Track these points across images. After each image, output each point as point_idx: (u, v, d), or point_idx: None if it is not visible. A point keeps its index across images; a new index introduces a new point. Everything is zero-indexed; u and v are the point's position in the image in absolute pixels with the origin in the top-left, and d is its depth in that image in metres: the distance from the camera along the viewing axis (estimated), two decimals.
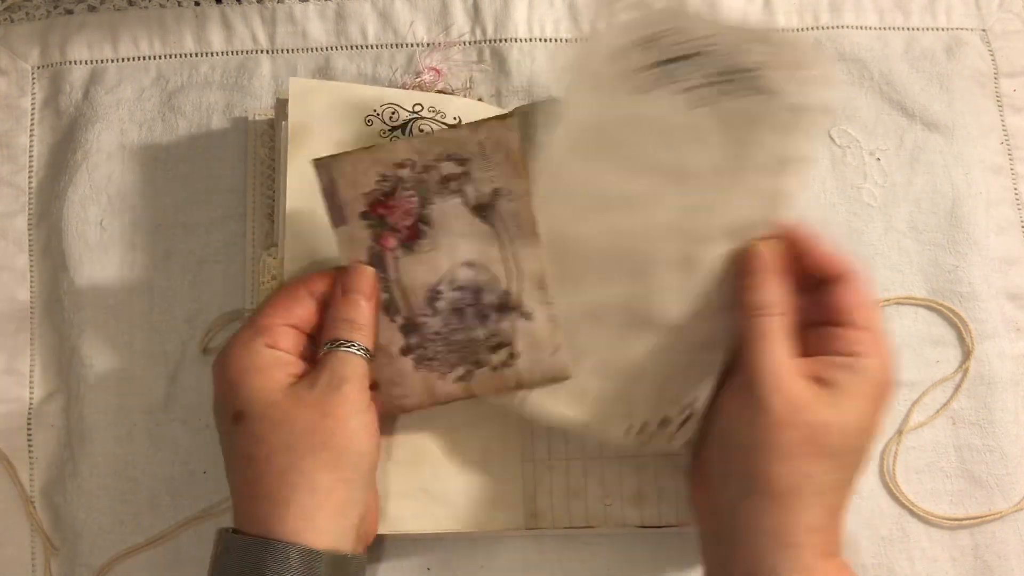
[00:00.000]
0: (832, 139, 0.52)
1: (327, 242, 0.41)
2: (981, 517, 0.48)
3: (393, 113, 0.46)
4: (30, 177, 0.52)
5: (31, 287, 0.51)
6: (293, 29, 0.53)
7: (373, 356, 0.41)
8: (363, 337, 0.41)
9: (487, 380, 0.42)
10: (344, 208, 0.40)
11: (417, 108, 0.47)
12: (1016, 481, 0.48)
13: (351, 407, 0.39)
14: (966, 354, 0.49)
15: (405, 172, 0.40)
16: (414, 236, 0.41)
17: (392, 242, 0.41)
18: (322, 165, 0.40)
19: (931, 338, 0.50)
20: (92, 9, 0.54)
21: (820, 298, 0.40)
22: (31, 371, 0.50)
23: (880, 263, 0.50)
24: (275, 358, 0.40)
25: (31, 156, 0.52)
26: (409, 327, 0.42)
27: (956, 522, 0.48)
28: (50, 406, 0.50)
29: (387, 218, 0.41)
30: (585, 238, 0.42)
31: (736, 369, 0.40)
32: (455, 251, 0.41)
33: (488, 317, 0.42)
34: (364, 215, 0.41)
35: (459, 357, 0.42)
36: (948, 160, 0.51)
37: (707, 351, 0.42)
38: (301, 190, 0.44)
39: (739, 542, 0.38)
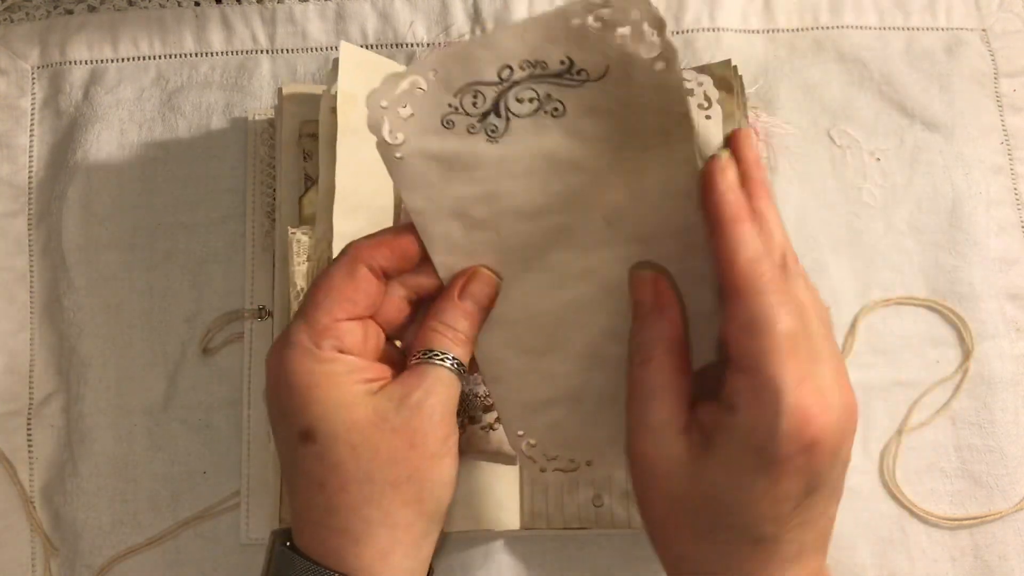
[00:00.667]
0: (832, 139, 0.52)
1: (377, 217, 0.39)
2: (981, 517, 0.48)
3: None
4: (30, 177, 0.52)
5: (31, 287, 0.51)
6: (293, 29, 0.53)
7: (464, 373, 0.36)
8: (463, 353, 0.35)
9: (474, 438, 0.41)
10: None
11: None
12: (1016, 481, 0.48)
13: (441, 435, 0.34)
14: (966, 354, 0.49)
15: None
16: None
17: None
18: None
19: (931, 338, 0.50)
20: (92, 9, 0.54)
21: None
22: (31, 371, 0.50)
23: (880, 263, 0.50)
24: (346, 365, 0.34)
25: (31, 156, 0.52)
26: None
27: (956, 522, 0.48)
28: (50, 406, 0.50)
29: None
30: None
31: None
32: None
33: None
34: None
35: (460, 407, 0.40)
36: (948, 160, 0.51)
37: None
38: (348, 164, 0.40)
39: None
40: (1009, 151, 0.52)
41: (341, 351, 0.35)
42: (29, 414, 0.50)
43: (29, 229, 0.52)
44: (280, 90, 0.47)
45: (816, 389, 0.30)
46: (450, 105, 0.34)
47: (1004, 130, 0.53)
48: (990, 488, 0.48)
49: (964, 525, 0.48)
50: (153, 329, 0.49)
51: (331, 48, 0.53)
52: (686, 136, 0.33)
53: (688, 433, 0.33)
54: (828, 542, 0.34)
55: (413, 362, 0.35)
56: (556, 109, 0.34)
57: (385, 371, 0.36)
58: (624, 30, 0.32)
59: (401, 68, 0.41)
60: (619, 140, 0.34)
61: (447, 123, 0.34)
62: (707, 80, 0.45)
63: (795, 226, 0.50)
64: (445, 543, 0.47)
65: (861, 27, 0.53)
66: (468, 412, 0.41)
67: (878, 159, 0.51)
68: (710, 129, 0.44)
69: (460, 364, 0.35)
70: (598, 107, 0.34)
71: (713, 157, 0.33)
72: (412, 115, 0.34)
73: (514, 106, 0.34)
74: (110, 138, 0.51)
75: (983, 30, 0.54)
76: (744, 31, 0.53)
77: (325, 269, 0.36)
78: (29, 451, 0.49)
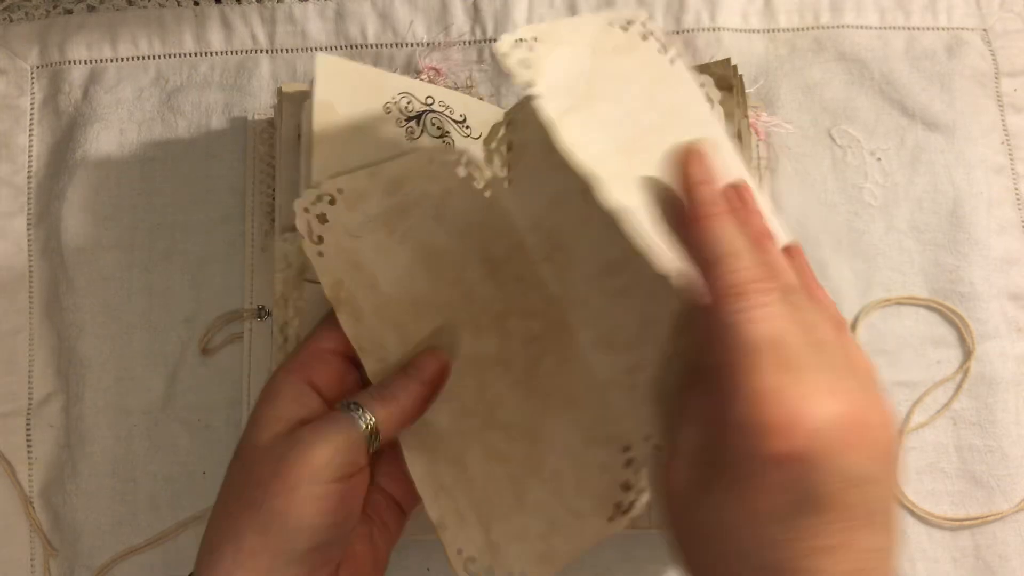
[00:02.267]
0: (833, 139, 0.52)
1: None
2: (982, 518, 0.48)
3: (408, 103, 0.46)
4: (29, 177, 0.52)
5: (31, 287, 0.51)
6: (293, 29, 0.53)
7: (379, 441, 0.36)
8: (384, 416, 0.36)
9: None
10: None
11: (429, 100, 0.47)
12: (1017, 482, 0.48)
13: (310, 476, 0.34)
14: (967, 354, 0.49)
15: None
16: None
17: None
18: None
19: (932, 338, 0.49)
20: (91, 9, 0.54)
21: None
22: (31, 371, 0.50)
23: (881, 263, 0.50)
24: (296, 391, 0.37)
25: (30, 156, 0.52)
26: None
27: (957, 523, 0.48)
28: (50, 406, 0.50)
29: None
30: None
31: None
32: None
33: None
34: None
35: None
36: (949, 160, 0.51)
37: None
38: (325, 170, 0.42)
39: None
40: (1010, 151, 0.52)
41: (308, 381, 0.37)
42: (28, 414, 0.50)
43: (29, 229, 0.52)
44: (280, 90, 0.47)
45: (796, 397, 0.28)
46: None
47: (1005, 130, 0.53)
48: (991, 488, 0.48)
49: (965, 525, 0.48)
50: (152, 329, 0.49)
51: (331, 48, 0.53)
52: None
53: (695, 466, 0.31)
54: None
55: (332, 408, 0.37)
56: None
57: (305, 408, 0.37)
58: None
59: (392, 76, 0.46)
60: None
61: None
62: (708, 80, 0.45)
63: (795, 226, 0.50)
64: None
65: (862, 27, 0.53)
66: None
67: (879, 159, 0.51)
68: None
69: (373, 424, 0.36)
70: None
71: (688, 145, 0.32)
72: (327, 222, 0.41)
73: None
74: (110, 138, 0.51)
75: (984, 30, 0.54)
76: (744, 31, 0.53)
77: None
78: (29, 451, 0.49)
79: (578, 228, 0.44)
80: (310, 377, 0.38)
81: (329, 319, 0.39)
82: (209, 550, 0.35)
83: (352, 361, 0.39)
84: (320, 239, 0.41)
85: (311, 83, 0.43)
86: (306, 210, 0.41)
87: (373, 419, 0.36)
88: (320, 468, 0.34)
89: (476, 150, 0.45)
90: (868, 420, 0.29)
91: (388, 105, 0.45)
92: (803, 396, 0.28)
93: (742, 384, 0.28)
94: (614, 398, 0.43)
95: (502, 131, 0.46)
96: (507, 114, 0.46)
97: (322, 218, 0.41)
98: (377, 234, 0.42)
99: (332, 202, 0.42)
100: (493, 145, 0.46)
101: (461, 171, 0.44)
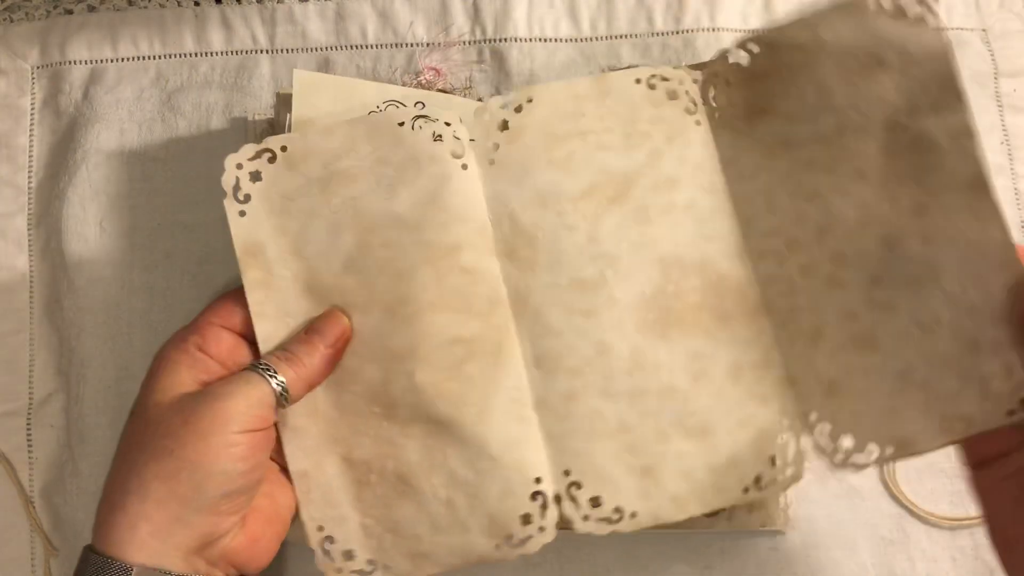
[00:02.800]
0: None
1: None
2: (982, 517, 0.48)
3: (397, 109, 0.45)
4: (30, 177, 0.52)
5: (31, 287, 0.51)
6: (293, 29, 0.53)
7: (289, 401, 0.38)
8: (293, 376, 0.38)
9: None
10: None
11: (419, 106, 0.47)
12: None
13: (222, 425, 0.35)
14: None
15: None
16: None
17: None
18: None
19: None
20: (92, 9, 0.54)
21: None
22: (31, 371, 0.50)
23: None
24: (191, 358, 0.38)
25: (31, 156, 0.52)
26: None
27: (956, 522, 0.48)
28: (50, 406, 0.50)
29: None
30: None
31: None
32: None
33: None
34: None
35: None
36: None
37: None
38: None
39: None
40: (1009, 151, 0.52)
41: (199, 348, 0.38)
42: (29, 414, 0.50)
43: (29, 229, 0.52)
44: (278, 94, 0.48)
45: None
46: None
47: (1004, 130, 0.53)
48: None
49: (964, 525, 0.48)
50: (153, 329, 0.49)
51: (331, 48, 0.53)
52: None
53: None
54: None
55: (243, 367, 0.38)
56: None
57: (208, 371, 0.39)
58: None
59: (377, 85, 0.46)
60: None
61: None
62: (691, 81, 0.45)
63: None
64: None
65: None
66: None
67: None
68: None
69: (282, 383, 0.37)
70: None
71: None
72: (260, 180, 0.42)
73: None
74: (110, 138, 0.51)
75: (983, 30, 0.54)
76: (744, 31, 0.53)
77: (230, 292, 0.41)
78: (29, 451, 0.49)
79: (558, 233, 0.42)
80: (203, 346, 0.39)
81: (221, 298, 0.41)
82: (109, 508, 0.35)
83: (243, 337, 0.40)
84: (247, 198, 0.41)
85: (276, 101, 0.43)
86: (239, 166, 0.41)
87: (283, 379, 0.38)
88: (232, 418, 0.36)
89: (458, 124, 0.43)
90: None
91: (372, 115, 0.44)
92: None
93: None
94: (543, 422, 0.41)
95: (500, 103, 0.43)
96: (519, 93, 0.43)
97: (255, 176, 0.42)
98: (313, 199, 0.41)
99: (272, 159, 0.42)
100: (487, 116, 0.43)
101: (441, 141, 0.42)
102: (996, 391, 0.35)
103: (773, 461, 0.41)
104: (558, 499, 0.41)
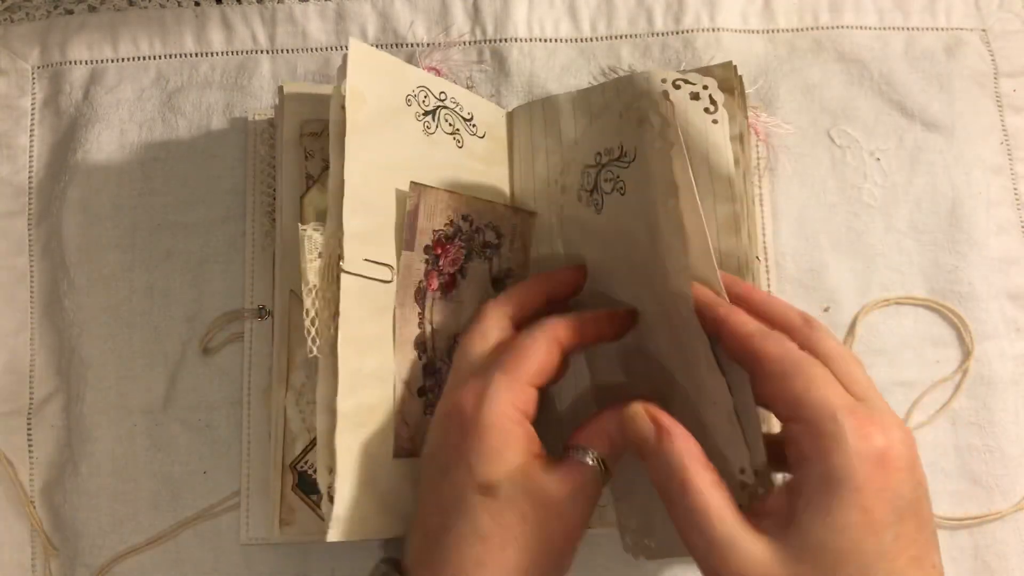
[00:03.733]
0: (832, 139, 0.52)
1: (383, 215, 0.41)
2: (981, 517, 0.48)
3: (425, 97, 0.45)
4: (30, 177, 0.52)
5: (31, 287, 0.51)
6: (293, 29, 0.53)
7: (604, 475, 0.38)
8: (609, 452, 0.38)
9: None
10: (415, 235, 0.41)
11: (442, 96, 0.47)
12: (1016, 481, 0.48)
13: (583, 525, 0.37)
14: (966, 354, 0.49)
15: (465, 225, 0.42)
16: (451, 285, 0.42)
17: (435, 283, 0.42)
18: (416, 187, 0.41)
19: (931, 338, 0.50)
20: (92, 9, 0.54)
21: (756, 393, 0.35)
22: (31, 371, 0.50)
23: (880, 263, 0.50)
24: (528, 432, 0.37)
25: (31, 156, 0.52)
26: (429, 369, 0.42)
27: (956, 522, 0.48)
28: (50, 406, 0.50)
29: (440, 259, 0.42)
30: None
31: None
32: (474, 309, 0.43)
33: None
34: (427, 248, 0.42)
35: None
36: (948, 160, 0.51)
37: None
38: (355, 162, 0.41)
39: None
40: (1009, 151, 0.52)
41: (528, 418, 0.37)
42: (29, 414, 0.50)
43: (29, 229, 0.52)
44: (280, 88, 0.47)
45: (870, 412, 0.33)
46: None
47: (1004, 130, 0.53)
48: (990, 488, 0.48)
49: (964, 525, 0.48)
50: (153, 329, 0.49)
51: (331, 48, 0.53)
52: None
53: (759, 530, 0.32)
54: None
55: (570, 454, 0.37)
56: (621, 188, 0.42)
57: (537, 442, 0.38)
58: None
59: (410, 67, 0.46)
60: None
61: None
62: (711, 83, 0.45)
63: (795, 226, 0.50)
64: None
65: (861, 27, 0.53)
66: None
67: (878, 159, 0.51)
68: (716, 134, 0.44)
69: (603, 462, 0.37)
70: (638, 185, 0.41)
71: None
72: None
73: (603, 185, 0.43)
74: (110, 138, 0.51)
75: (983, 30, 0.54)
76: (744, 31, 0.53)
77: (524, 337, 0.39)
78: (29, 451, 0.49)
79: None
80: (528, 413, 0.38)
81: (531, 350, 0.38)
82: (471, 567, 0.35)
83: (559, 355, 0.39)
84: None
85: (341, 69, 0.42)
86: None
87: (604, 459, 0.37)
88: (586, 520, 0.37)
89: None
90: (912, 437, 0.34)
91: (408, 97, 0.44)
92: (876, 411, 0.33)
93: (831, 405, 0.33)
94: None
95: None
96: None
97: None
98: None
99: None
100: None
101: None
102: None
103: None
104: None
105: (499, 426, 0.36)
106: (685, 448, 0.34)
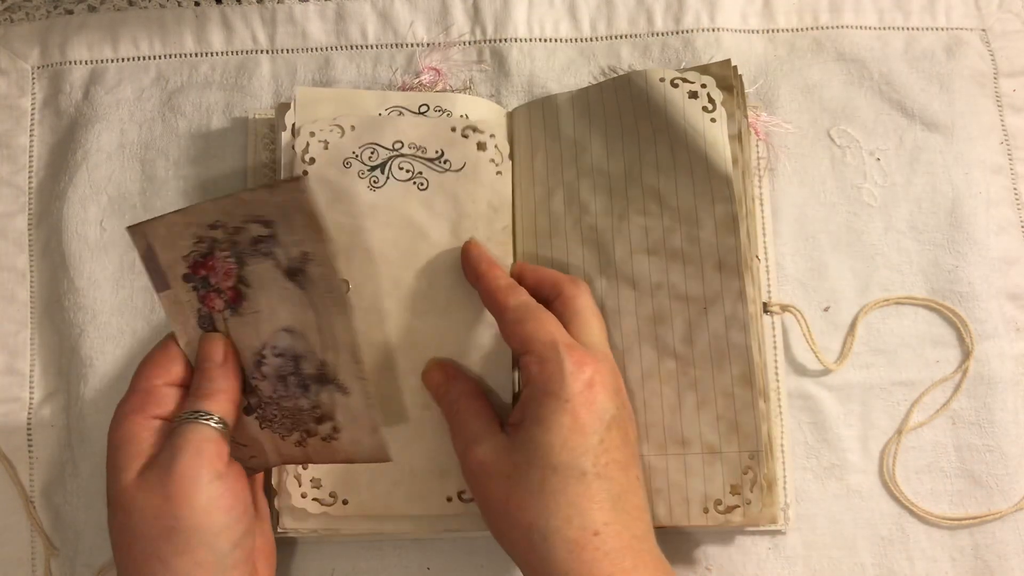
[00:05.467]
0: (832, 139, 0.52)
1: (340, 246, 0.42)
2: (981, 517, 0.48)
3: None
4: (30, 177, 0.52)
5: (31, 287, 0.51)
6: (293, 29, 0.53)
7: (229, 427, 0.40)
8: (214, 404, 0.39)
9: (321, 450, 0.41)
10: (166, 272, 0.39)
11: (423, 108, 0.47)
12: (1016, 481, 0.48)
13: (192, 483, 0.37)
14: (966, 354, 0.49)
15: (218, 233, 0.38)
16: (237, 298, 0.39)
17: (219, 303, 0.40)
18: (137, 231, 0.38)
19: (931, 338, 0.50)
20: (92, 9, 0.54)
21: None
22: (31, 371, 0.50)
23: (880, 263, 0.50)
24: (149, 429, 0.39)
25: (31, 156, 0.52)
26: (248, 388, 0.41)
27: (956, 522, 0.48)
28: (50, 406, 0.50)
29: (210, 279, 0.39)
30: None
31: None
32: (275, 315, 0.39)
33: (309, 388, 0.40)
34: (187, 277, 0.39)
35: (292, 423, 0.41)
36: (948, 160, 0.51)
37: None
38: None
39: None
40: (1009, 151, 0.52)
41: (156, 416, 0.39)
42: (29, 414, 0.50)
43: (29, 229, 0.52)
44: (280, 105, 0.48)
45: (585, 350, 0.41)
46: (353, 152, 0.46)
47: (1004, 130, 0.53)
48: (990, 488, 0.48)
49: (964, 525, 0.48)
50: (153, 329, 0.49)
51: (331, 48, 0.53)
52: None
53: (504, 432, 0.41)
54: (647, 512, 0.41)
55: (172, 426, 0.39)
56: (422, 184, 0.46)
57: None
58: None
59: (354, 91, 0.49)
60: (455, 221, 0.46)
61: (346, 164, 0.46)
62: (710, 81, 0.45)
63: (795, 226, 0.50)
64: (445, 542, 0.47)
65: (861, 27, 0.53)
66: (302, 426, 0.41)
67: (878, 159, 0.51)
68: (715, 132, 0.44)
69: (208, 415, 0.39)
70: (449, 192, 0.46)
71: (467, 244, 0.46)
72: (326, 148, 0.46)
73: (395, 171, 0.46)
74: (110, 138, 0.51)
75: (983, 30, 0.54)
76: (744, 31, 0.53)
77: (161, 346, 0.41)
78: (29, 451, 0.49)
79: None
80: (154, 413, 0.39)
81: (154, 356, 0.41)
82: None
83: (181, 386, 0.41)
84: (312, 160, 0.46)
85: (276, 109, 0.45)
86: (312, 133, 0.46)
87: (210, 411, 0.39)
88: (199, 473, 0.37)
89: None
90: (618, 380, 0.43)
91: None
92: (590, 344, 0.42)
93: (555, 339, 0.41)
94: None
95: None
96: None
97: (325, 144, 0.46)
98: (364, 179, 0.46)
99: (341, 135, 0.46)
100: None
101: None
102: None
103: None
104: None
105: (114, 438, 0.39)
106: (464, 387, 0.44)
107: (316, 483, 0.44)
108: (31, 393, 0.50)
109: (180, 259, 0.39)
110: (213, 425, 0.39)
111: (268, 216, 0.38)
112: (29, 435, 0.49)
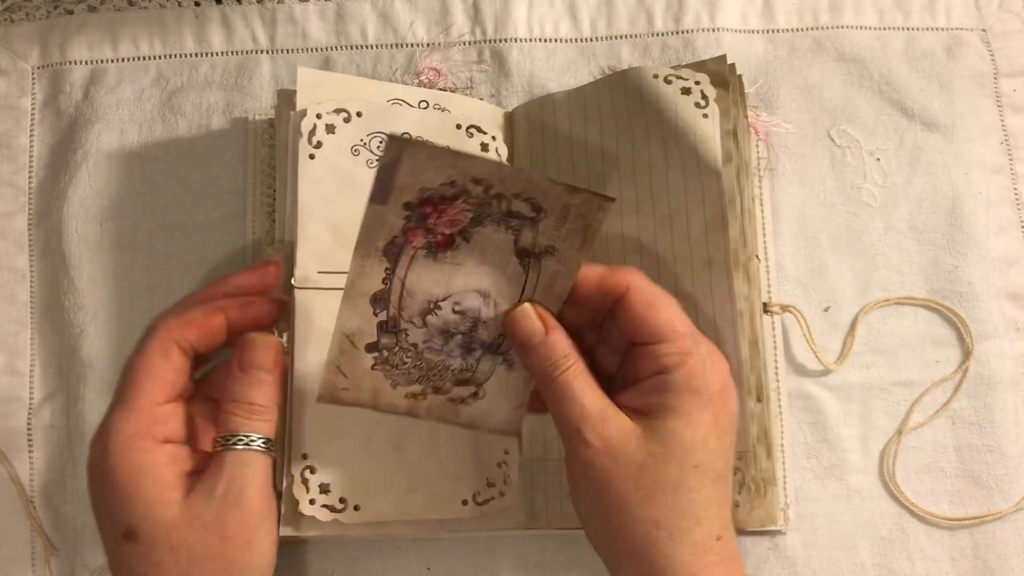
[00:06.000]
0: (832, 139, 0.52)
1: (343, 239, 0.41)
2: (981, 517, 0.48)
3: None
4: (30, 177, 0.52)
5: (31, 287, 0.51)
6: (293, 29, 0.53)
7: (273, 444, 0.38)
8: (264, 425, 0.37)
9: (437, 408, 0.41)
10: (393, 190, 0.36)
11: (423, 104, 0.47)
12: (1016, 481, 0.48)
13: (254, 523, 0.36)
14: (966, 354, 0.49)
15: (476, 188, 0.37)
16: (445, 245, 0.38)
17: (420, 241, 0.38)
18: (396, 142, 0.35)
19: (931, 338, 0.50)
20: (92, 9, 0.54)
21: (616, 323, 0.39)
22: (31, 371, 0.50)
23: (880, 263, 0.50)
24: (167, 456, 0.36)
25: (31, 156, 0.52)
26: (389, 327, 0.39)
27: (956, 522, 0.48)
28: (50, 406, 0.50)
29: (429, 218, 0.38)
30: None
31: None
32: (476, 276, 0.39)
33: (473, 351, 0.40)
34: (408, 205, 0.37)
35: (421, 376, 0.40)
36: (948, 160, 0.51)
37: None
38: (312, 182, 0.43)
39: None
40: (1009, 151, 0.52)
41: (165, 440, 0.37)
42: (29, 414, 0.50)
43: (29, 229, 0.52)
44: (280, 92, 0.48)
45: (712, 345, 0.39)
46: (361, 140, 0.45)
47: (1004, 130, 0.53)
48: (990, 488, 0.48)
49: (964, 525, 0.48)
50: None
51: (331, 48, 0.53)
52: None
53: (626, 413, 0.37)
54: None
55: (216, 449, 0.36)
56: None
57: (198, 459, 0.37)
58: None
59: (357, 78, 0.48)
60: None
61: (354, 151, 0.45)
62: (704, 78, 0.45)
63: (795, 226, 0.50)
64: (445, 543, 0.47)
65: (861, 27, 0.53)
66: (433, 382, 0.40)
67: (878, 159, 0.51)
68: (706, 128, 0.44)
69: (263, 439, 0.37)
70: None
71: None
72: (332, 132, 0.44)
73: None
74: (110, 138, 0.51)
75: (983, 30, 0.54)
76: (744, 31, 0.53)
77: (137, 351, 0.38)
78: (29, 451, 0.49)
79: None
80: (164, 436, 0.37)
81: (135, 374, 0.38)
82: None
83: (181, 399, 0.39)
84: (319, 144, 0.44)
85: (277, 99, 0.44)
86: (318, 116, 0.44)
87: (263, 436, 0.37)
88: (259, 510, 0.36)
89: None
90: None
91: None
92: (715, 350, 0.39)
93: (695, 340, 0.38)
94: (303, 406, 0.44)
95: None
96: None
97: (330, 128, 0.44)
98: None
99: (347, 120, 0.45)
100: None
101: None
102: None
103: (490, 482, 0.45)
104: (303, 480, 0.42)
105: (124, 466, 0.36)
106: (567, 340, 0.38)
107: (324, 488, 0.43)
108: (31, 393, 0.50)
109: (417, 188, 0.37)
110: (266, 452, 0.37)
111: (545, 205, 0.37)
112: (29, 435, 0.49)
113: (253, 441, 0.36)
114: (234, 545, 0.35)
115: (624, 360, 0.40)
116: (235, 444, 0.36)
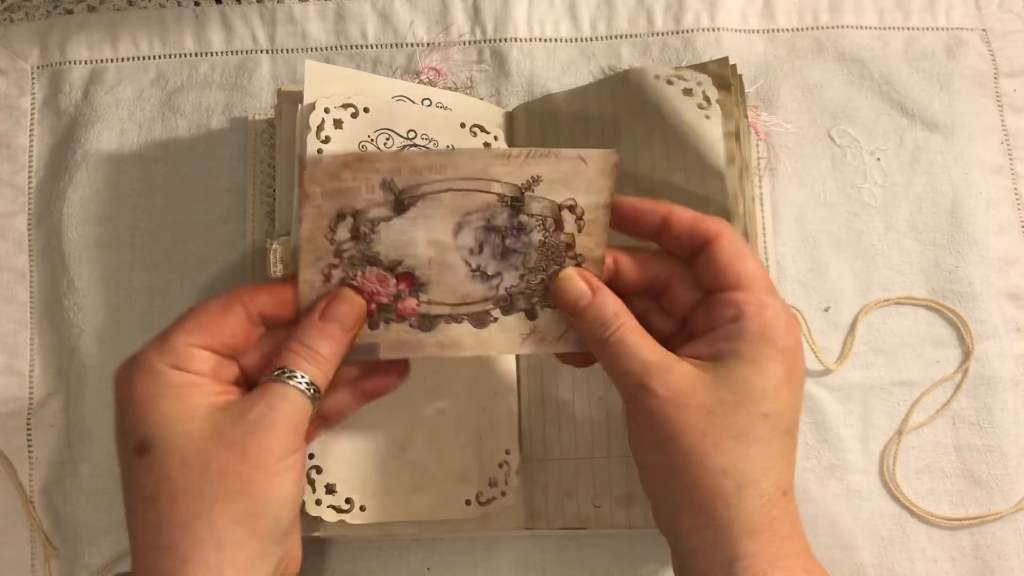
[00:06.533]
0: (832, 139, 0.52)
1: None
2: (981, 517, 0.48)
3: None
4: (30, 177, 0.52)
5: (31, 287, 0.51)
6: (293, 29, 0.53)
7: (321, 398, 0.36)
8: (319, 374, 0.35)
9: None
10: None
11: (426, 102, 0.47)
12: (1016, 481, 0.48)
13: (279, 451, 0.34)
14: (966, 354, 0.49)
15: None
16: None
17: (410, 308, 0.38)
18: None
19: (931, 338, 0.50)
20: (92, 9, 0.54)
21: (695, 269, 0.38)
22: (31, 371, 0.50)
23: (880, 263, 0.50)
24: (191, 380, 0.35)
25: (31, 156, 0.52)
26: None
27: (956, 522, 0.48)
28: (50, 406, 0.50)
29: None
30: None
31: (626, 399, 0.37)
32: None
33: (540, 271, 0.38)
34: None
35: (551, 255, 0.38)
36: (948, 160, 0.51)
37: (500, 398, 0.45)
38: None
39: (689, 567, 0.36)
40: (1009, 151, 0.52)
41: (181, 368, 0.35)
42: (29, 414, 0.50)
43: (29, 229, 0.52)
44: (279, 91, 0.48)
45: (788, 308, 0.38)
46: (368, 136, 0.44)
47: (1004, 130, 0.53)
48: (990, 488, 0.48)
49: (964, 525, 0.48)
50: (153, 329, 0.49)
51: (331, 48, 0.53)
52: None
53: (688, 362, 0.36)
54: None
55: (263, 380, 0.35)
56: None
57: (235, 392, 0.36)
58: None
59: (363, 73, 0.48)
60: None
61: (362, 147, 0.44)
62: (706, 79, 0.45)
63: (795, 226, 0.50)
64: (444, 543, 0.47)
65: (861, 27, 0.53)
66: (555, 258, 0.38)
67: (878, 159, 0.51)
68: (709, 129, 0.44)
69: (313, 385, 0.35)
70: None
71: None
72: (340, 128, 0.44)
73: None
74: (110, 138, 0.51)
75: (983, 30, 0.54)
76: (744, 31, 0.53)
77: (205, 300, 0.37)
78: (29, 451, 0.49)
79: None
80: (183, 366, 0.35)
81: (191, 316, 0.36)
82: (178, 559, 0.33)
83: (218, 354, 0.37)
84: (327, 139, 0.43)
85: (277, 98, 0.43)
86: (326, 110, 0.43)
87: (312, 380, 0.35)
88: (289, 443, 0.34)
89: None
90: None
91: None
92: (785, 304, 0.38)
93: (771, 290, 0.38)
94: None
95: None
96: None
97: (338, 123, 0.43)
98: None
99: (355, 115, 0.44)
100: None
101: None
102: None
103: (493, 482, 0.45)
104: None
105: (144, 383, 0.35)
106: (617, 300, 0.37)
107: (330, 489, 0.43)
108: (31, 393, 0.50)
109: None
110: (310, 397, 0.35)
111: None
112: (29, 435, 0.49)
113: (300, 378, 0.35)
114: (254, 467, 0.33)
115: (680, 328, 0.39)
116: (286, 377, 0.35)
